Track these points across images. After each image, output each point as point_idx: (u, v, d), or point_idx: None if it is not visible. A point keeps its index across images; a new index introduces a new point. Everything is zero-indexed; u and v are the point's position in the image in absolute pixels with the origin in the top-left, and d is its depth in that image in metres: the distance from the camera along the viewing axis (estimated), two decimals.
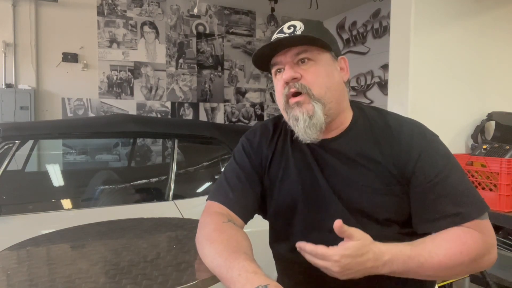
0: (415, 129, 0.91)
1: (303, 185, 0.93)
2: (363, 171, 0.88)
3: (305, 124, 0.86)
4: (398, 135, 0.89)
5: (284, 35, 0.88)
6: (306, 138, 0.88)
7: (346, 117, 0.94)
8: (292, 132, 0.98)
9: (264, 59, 0.92)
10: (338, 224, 0.73)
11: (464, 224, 0.81)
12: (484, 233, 0.81)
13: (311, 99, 0.86)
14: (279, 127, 1.01)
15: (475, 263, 0.79)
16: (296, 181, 0.93)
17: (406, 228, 0.88)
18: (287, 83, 0.88)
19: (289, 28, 0.90)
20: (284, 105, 0.90)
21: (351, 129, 0.93)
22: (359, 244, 0.73)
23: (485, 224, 0.83)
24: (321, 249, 0.73)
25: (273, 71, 0.94)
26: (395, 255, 0.75)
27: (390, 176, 0.87)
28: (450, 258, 0.77)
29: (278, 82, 0.91)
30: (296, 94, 0.88)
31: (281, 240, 0.98)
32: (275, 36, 0.91)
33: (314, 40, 0.86)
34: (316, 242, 0.91)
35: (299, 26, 0.89)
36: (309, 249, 0.75)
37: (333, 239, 0.88)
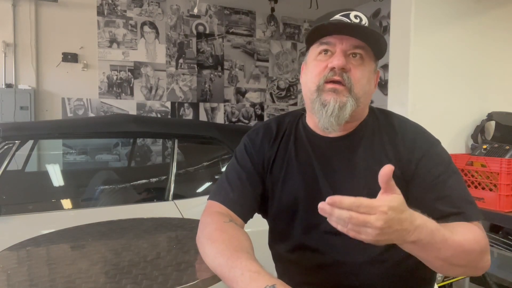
0: (419, 132, 0.92)
1: (305, 186, 0.92)
2: (366, 173, 0.88)
3: (333, 113, 0.84)
4: (403, 136, 0.90)
5: (350, 22, 0.83)
6: (326, 126, 0.86)
7: (360, 118, 0.95)
8: (296, 132, 0.98)
9: (317, 33, 0.87)
10: (388, 168, 0.65)
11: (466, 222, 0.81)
12: (484, 233, 0.81)
13: (349, 93, 0.84)
14: (282, 128, 1.00)
15: (480, 257, 0.78)
16: (298, 182, 0.93)
17: None
18: (334, 68, 0.84)
19: (355, 17, 0.85)
20: (318, 86, 0.86)
21: (360, 131, 0.93)
22: (402, 198, 0.66)
23: (482, 227, 0.83)
24: (365, 200, 0.63)
25: (318, 48, 0.88)
26: (424, 222, 0.69)
27: (394, 178, 0.87)
28: (467, 242, 0.75)
29: (320, 63, 0.87)
30: (337, 82, 0.85)
31: (281, 241, 0.98)
32: (338, 17, 0.85)
33: (379, 42, 0.84)
34: (315, 242, 0.91)
35: (365, 21, 0.85)
36: (348, 202, 0.62)
37: (332, 240, 0.89)
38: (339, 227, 0.64)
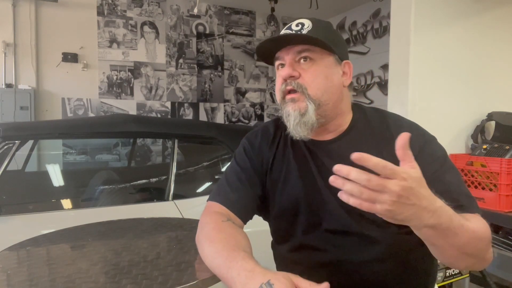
0: (414, 129, 0.92)
1: (304, 188, 0.93)
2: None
3: (296, 121, 0.88)
4: (397, 135, 0.90)
5: (291, 32, 0.89)
6: (295, 135, 0.90)
7: (345, 119, 0.95)
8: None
9: (268, 53, 0.93)
10: (405, 136, 0.64)
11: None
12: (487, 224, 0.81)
13: (306, 98, 0.88)
14: (280, 129, 1.02)
15: (488, 247, 0.78)
16: (297, 184, 0.94)
17: (404, 228, 0.88)
18: (285, 79, 0.89)
19: (297, 25, 0.90)
20: (281, 100, 0.92)
21: (350, 131, 0.94)
22: (422, 174, 0.64)
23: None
24: (388, 163, 0.60)
25: (275, 64, 0.95)
26: (443, 206, 0.67)
27: None
28: (479, 228, 0.75)
29: (278, 77, 0.92)
30: (292, 91, 0.89)
31: (283, 241, 0.98)
32: (283, 31, 0.92)
33: (317, 41, 0.86)
34: (316, 242, 0.92)
35: (307, 25, 0.89)
36: (374, 161, 0.59)
37: (333, 240, 0.89)
38: (351, 200, 0.61)
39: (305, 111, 0.87)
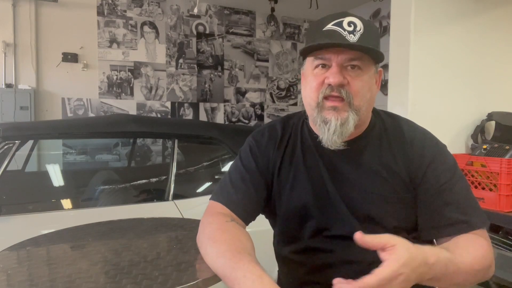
0: (428, 137, 0.92)
1: (313, 191, 0.91)
2: (375, 178, 0.88)
3: (335, 131, 0.83)
4: (411, 141, 0.90)
5: (343, 32, 0.81)
6: (330, 145, 0.85)
7: (365, 125, 0.93)
8: (302, 135, 0.97)
9: (311, 48, 0.85)
10: (358, 236, 0.67)
11: (471, 232, 0.82)
12: (489, 241, 0.82)
13: (350, 108, 0.83)
14: (288, 130, 0.99)
15: (488, 270, 0.80)
16: (306, 187, 0.92)
17: (413, 233, 0.88)
18: (329, 84, 0.82)
19: (349, 25, 0.82)
20: (317, 104, 0.85)
21: (367, 135, 0.92)
22: (404, 246, 0.66)
23: (487, 234, 0.84)
24: (381, 274, 0.63)
25: (314, 62, 0.86)
26: (437, 257, 0.69)
27: (402, 183, 0.88)
28: (477, 262, 0.76)
29: (318, 78, 0.85)
30: (336, 97, 0.83)
31: (289, 243, 0.97)
32: (331, 26, 0.82)
33: (376, 53, 0.82)
34: (322, 245, 0.91)
35: (360, 27, 0.82)
36: (373, 282, 0.63)
37: (340, 244, 0.88)
38: None
39: (345, 121, 0.82)
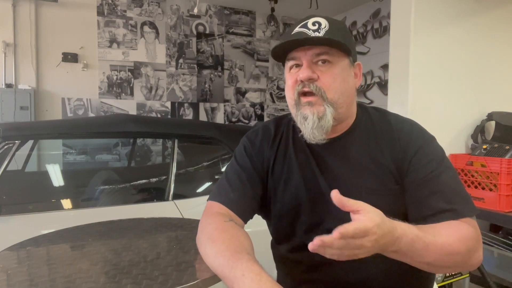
0: (415, 128, 0.93)
1: (306, 187, 0.93)
2: (363, 172, 0.90)
3: (313, 125, 0.86)
4: (398, 133, 0.91)
5: (308, 31, 0.86)
6: (311, 139, 0.88)
7: (351, 119, 0.95)
8: (294, 133, 0.99)
9: (282, 51, 0.90)
10: (334, 194, 0.67)
11: (458, 220, 0.82)
12: (476, 229, 0.82)
13: (324, 101, 0.86)
14: (280, 129, 1.02)
15: (468, 256, 0.79)
16: (299, 183, 0.94)
17: None
18: (302, 81, 0.86)
19: (313, 24, 0.87)
20: (295, 101, 0.89)
21: (354, 130, 0.94)
22: (378, 211, 0.68)
23: (476, 223, 0.84)
24: (355, 225, 0.65)
25: (288, 64, 0.91)
26: (404, 231, 0.71)
27: (391, 175, 0.89)
28: (450, 244, 0.76)
29: (292, 76, 0.89)
30: (309, 93, 0.87)
31: (284, 241, 0.99)
32: (297, 29, 0.88)
33: (339, 43, 0.85)
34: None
35: (324, 25, 0.87)
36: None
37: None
38: (335, 257, 0.67)
39: (323, 115, 0.86)
